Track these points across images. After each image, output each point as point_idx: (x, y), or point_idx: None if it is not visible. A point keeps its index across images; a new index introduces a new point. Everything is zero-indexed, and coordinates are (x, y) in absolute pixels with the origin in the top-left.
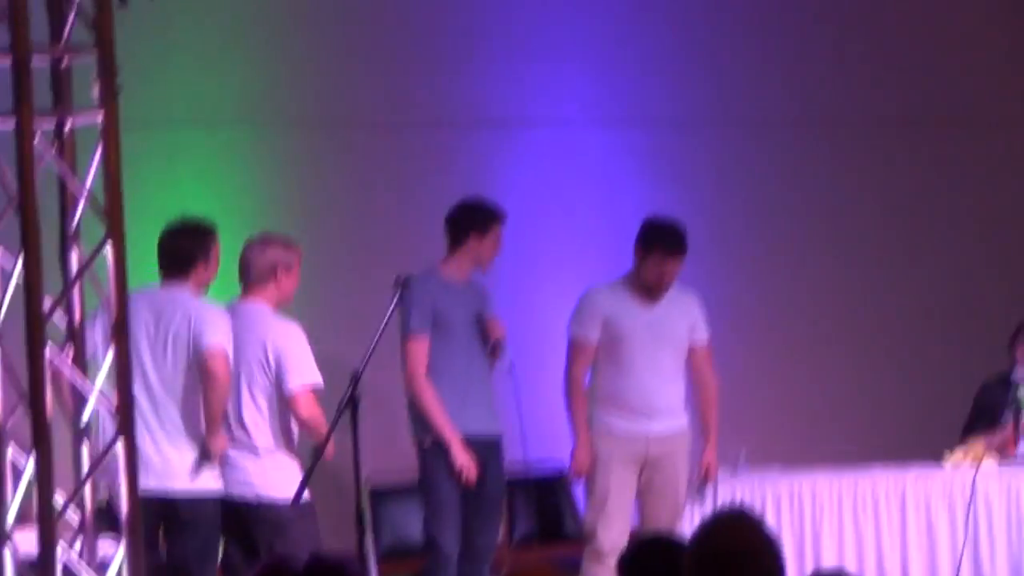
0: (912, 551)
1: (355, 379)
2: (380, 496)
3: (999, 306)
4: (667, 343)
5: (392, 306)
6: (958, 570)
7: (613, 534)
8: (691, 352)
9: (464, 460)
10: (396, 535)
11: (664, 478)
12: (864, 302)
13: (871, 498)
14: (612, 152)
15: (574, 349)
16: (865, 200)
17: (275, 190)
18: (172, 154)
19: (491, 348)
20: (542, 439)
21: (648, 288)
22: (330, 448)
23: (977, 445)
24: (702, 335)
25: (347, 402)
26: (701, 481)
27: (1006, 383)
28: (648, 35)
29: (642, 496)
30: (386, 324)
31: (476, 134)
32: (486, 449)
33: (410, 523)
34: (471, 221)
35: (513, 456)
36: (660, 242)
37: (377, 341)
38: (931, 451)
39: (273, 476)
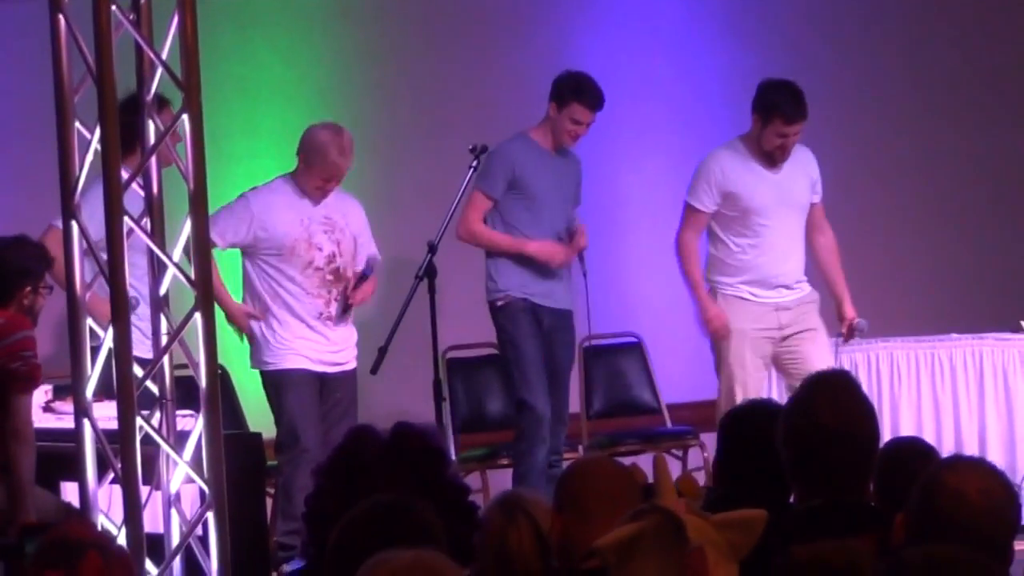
0: (990, 419)
1: (432, 249)
2: (457, 367)
3: None
4: (794, 206)
5: (468, 176)
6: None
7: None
8: (810, 209)
9: (539, 246)
10: (473, 407)
11: (807, 335)
12: (942, 171)
13: (948, 366)
14: (692, 15)
15: (691, 215)
16: (953, 69)
17: (351, 63)
18: (247, 25)
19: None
20: (611, 318)
21: (769, 155)
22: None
23: None
24: (819, 192)
25: (424, 272)
26: (847, 337)
27: None
28: None
29: (786, 360)
30: (462, 194)
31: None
32: (558, 319)
33: (487, 395)
34: (555, 89)
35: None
36: (779, 111)
37: (453, 211)
38: (1009, 321)
39: None
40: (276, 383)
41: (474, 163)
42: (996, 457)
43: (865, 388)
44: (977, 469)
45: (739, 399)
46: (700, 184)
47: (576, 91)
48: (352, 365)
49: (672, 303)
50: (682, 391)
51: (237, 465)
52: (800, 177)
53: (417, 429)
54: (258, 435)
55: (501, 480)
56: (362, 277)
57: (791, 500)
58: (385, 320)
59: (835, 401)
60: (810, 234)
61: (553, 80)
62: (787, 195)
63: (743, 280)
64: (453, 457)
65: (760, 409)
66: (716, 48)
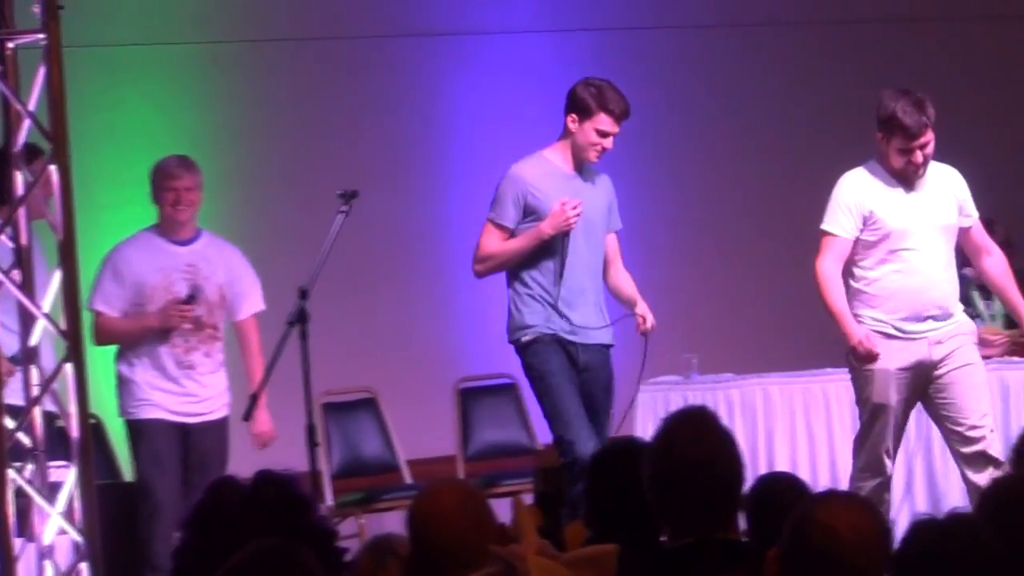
0: None
1: (304, 295)
2: (332, 412)
3: None
4: (938, 229)
5: (339, 220)
6: (910, 470)
7: (889, 444)
8: (967, 233)
9: (550, 220)
10: (349, 451)
11: (960, 372)
12: (811, 206)
13: (823, 400)
14: (562, 58)
15: (826, 241)
16: (809, 103)
17: (220, 107)
18: (116, 73)
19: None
20: (487, 359)
21: (901, 173)
22: None
23: None
24: (971, 213)
25: (296, 318)
26: None
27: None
28: None
29: (938, 400)
30: (334, 239)
31: (425, 43)
32: (594, 355)
33: (363, 440)
34: (574, 101)
35: None
36: (897, 124)
37: (326, 256)
38: None
39: None
40: (134, 433)
41: (344, 208)
42: None
43: (740, 424)
44: (848, 504)
45: (887, 439)
46: (834, 208)
47: (600, 99)
48: (220, 414)
49: None
50: None
51: (111, 515)
52: (943, 197)
53: (279, 477)
54: (132, 484)
55: (379, 524)
56: (187, 300)
57: (661, 539)
58: None
59: (697, 436)
60: (975, 259)
61: (569, 91)
62: (929, 217)
63: (886, 311)
64: (330, 502)
65: (625, 448)
66: None
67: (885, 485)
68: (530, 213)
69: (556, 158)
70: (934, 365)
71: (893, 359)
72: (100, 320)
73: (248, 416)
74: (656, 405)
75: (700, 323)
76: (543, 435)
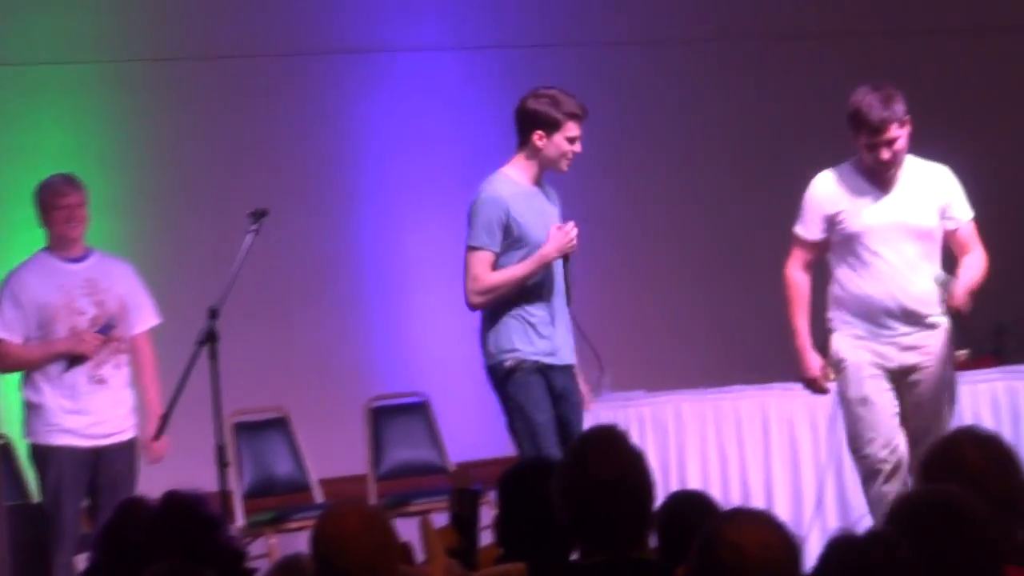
0: (776, 470)
1: (214, 314)
2: (243, 432)
3: None
4: (909, 232)
5: (249, 239)
6: (821, 487)
7: (879, 437)
8: (952, 236)
9: (550, 246)
10: (260, 471)
11: (924, 376)
12: (725, 227)
13: (734, 418)
14: (471, 76)
15: (794, 244)
16: (717, 122)
17: (130, 126)
18: (29, 93)
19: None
20: (397, 377)
21: (873, 172)
22: None
23: None
24: (954, 217)
25: (205, 337)
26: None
27: None
28: None
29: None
30: (244, 257)
31: (333, 61)
32: (567, 377)
33: (274, 459)
34: (535, 117)
35: None
36: (863, 117)
37: (236, 275)
38: (793, 372)
39: None
40: (40, 458)
41: (254, 227)
42: (783, 508)
43: (651, 442)
44: (757, 522)
45: (873, 433)
46: (801, 209)
47: (561, 107)
48: (128, 435)
49: (459, 361)
50: (471, 449)
51: (20, 537)
52: (920, 198)
53: (187, 497)
54: (41, 505)
55: (290, 543)
56: (104, 329)
57: (572, 557)
58: (167, 386)
59: (606, 454)
60: (959, 258)
61: (521, 110)
62: (898, 218)
63: (854, 314)
64: (241, 522)
65: (536, 466)
66: (492, 103)
67: (896, 475)
68: (509, 235)
69: (518, 175)
70: (904, 371)
71: (865, 355)
72: (3, 348)
73: (158, 436)
74: None
75: (611, 341)
76: (454, 454)
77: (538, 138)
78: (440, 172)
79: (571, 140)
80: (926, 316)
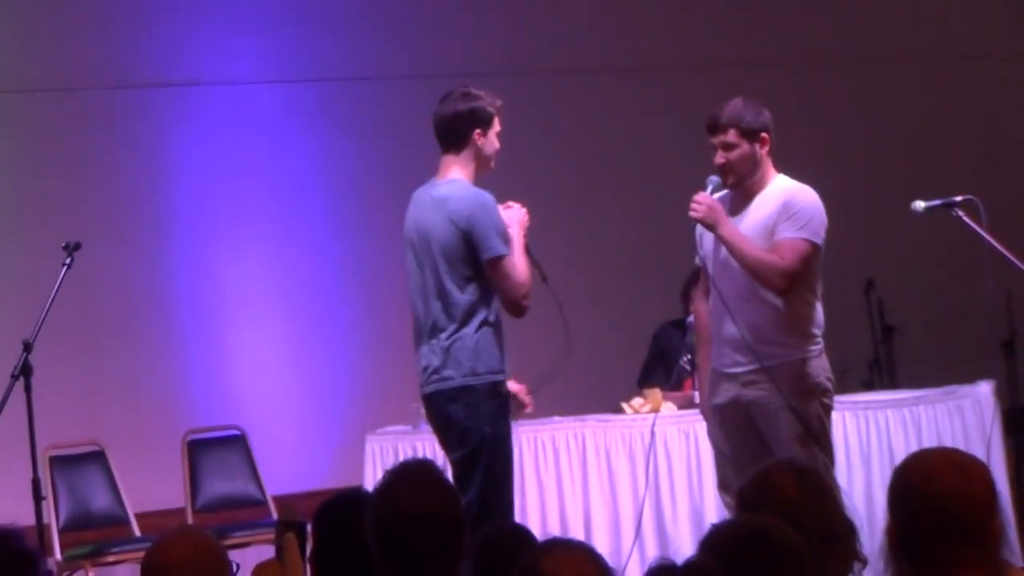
0: (594, 500)
1: (28, 348)
2: (60, 465)
3: (673, 254)
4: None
5: (63, 272)
6: (640, 517)
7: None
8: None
9: (514, 225)
10: (77, 504)
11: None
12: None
13: (552, 448)
14: (287, 108)
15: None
16: (540, 148)
17: None
18: None
19: None
20: (214, 410)
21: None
22: None
23: (655, 394)
24: (783, 232)
25: (20, 371)
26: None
27: (681, 327)
28: None
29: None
30: (58, 290)
31: (147, 95)
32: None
33: (91, 492)
34: (469, 117)
35: None
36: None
37: (49, 308)
38: (610, 403)
39: None
40: None
41: (68, 260)
42: (601, 538)
43: None
44: (572, 552)
45: (721, 477)
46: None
47: (492, 102)
48: None
49: (275, 393)
50: (288, 482)
51: None
52: (760, 221)
53: (2, 532)
54: None
55: None
56: None
57: None
58: None
59: (416, 487)
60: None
61: (456, 114)
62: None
63: (714, 347)
64: (58, 556)
65: (351, 498)
66: (308, 135)
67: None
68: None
69: (471, 179)
70: (747, 406)
71: (716, 395)
72: None
73: None
74: (385, 455)
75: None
76: (272, 486)
77: (478, 136)
78: (255, 205)
79: (499, 135)
80: (768, 350)
